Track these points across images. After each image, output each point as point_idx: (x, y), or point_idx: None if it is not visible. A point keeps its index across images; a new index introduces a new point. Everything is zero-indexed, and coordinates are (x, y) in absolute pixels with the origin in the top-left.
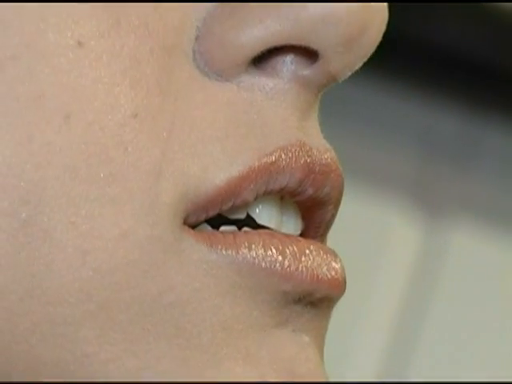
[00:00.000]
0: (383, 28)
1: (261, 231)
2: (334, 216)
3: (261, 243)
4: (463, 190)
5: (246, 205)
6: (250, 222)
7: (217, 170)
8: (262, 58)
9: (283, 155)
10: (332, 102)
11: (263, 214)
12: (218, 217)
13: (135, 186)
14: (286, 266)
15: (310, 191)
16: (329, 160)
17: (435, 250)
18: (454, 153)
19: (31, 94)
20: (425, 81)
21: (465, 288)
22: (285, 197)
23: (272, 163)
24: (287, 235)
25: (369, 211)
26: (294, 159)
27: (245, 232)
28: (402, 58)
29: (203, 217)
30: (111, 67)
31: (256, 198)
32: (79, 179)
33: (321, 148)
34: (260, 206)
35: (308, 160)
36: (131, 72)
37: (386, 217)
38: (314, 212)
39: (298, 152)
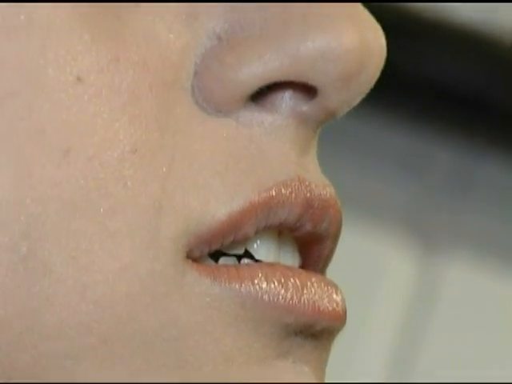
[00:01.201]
0: (381, 65)
1: (262, 264)
2: (332, 251)
3: (263, 276)
4: (458, 222)
5: (245, 239)
6: (248, 256)
7: (218, 204)
8: (261, 94)
9: (283, 190)
10: (326, 133)
11: (261, 249)
12: (217, 250)
13: (135, 221)
14: (288, 299)
15: (309, 226)
16: (328, 195)
17: (430, 282)
18: (448, 185)
19: (31, 129)
20: (420, 113)
21: (460, 320)
22: (283, 232)
23: (272, 198)
24: (289, 267)
25: (364, 243)
26: (293, 194)
27: (247, 265)
28: (396, 91)
29: (206, 251)
30: (110, 103)
31: (256, 233)
32: (79, 214)
33: (320, 183)
34: (258, 242)
35: (307, 195)
36: (130, 108)
37: (381, 249)
38: (312, 247)
39: (298, 187)
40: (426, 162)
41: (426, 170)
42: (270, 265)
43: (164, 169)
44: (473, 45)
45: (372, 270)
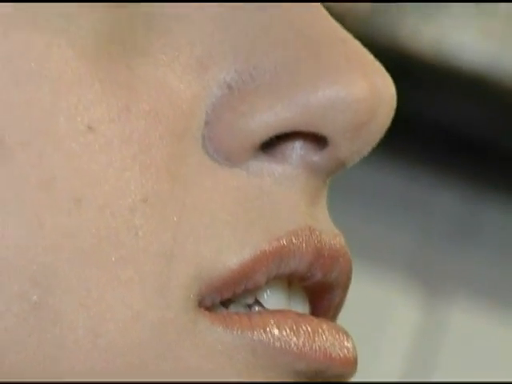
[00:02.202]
0: (392, 114)
1: (274, 311)
2: (342, 300)
3: (275, 324)
4: (461, 267)
5: (256, 289)
6: (258, 305)
7: (229, 253)
8: (271, 144)
9: (293, 239)
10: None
11: (271, 298)
12: (227, 299)
13: (146, 270)
14: (300, 346)
15: (319, 276)
16: (338, 245)
17: (434, 327)
18: (453, 230)
19: (42, 178)
20: (425, 158)
21: (463, 365)
22: (293, 282)
23: (283, 247)
24: (300, 314)
25: (368, 288)
26: (303, 244)
27: (259, 312)
28: (400, 135)
29: (218, 300)
30: (121, 152)
31: (266, 282)
32: (90, 263)
33: (330, 233)
34: (268, 291)
35: (318, 245)
36: (141, 157)
37: (385, 294)
38: (322, 296)
39: (308, 236)
40: (430, 208)
41: (430, 215)
42: (282, 312)
43: (175, 218)
44: (477, 89)
45: (375, 315)
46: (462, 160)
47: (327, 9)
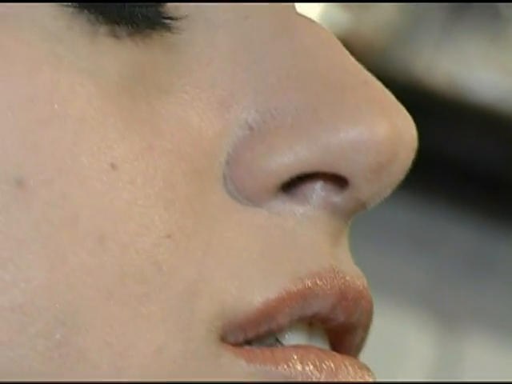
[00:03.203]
0: (412, 156)
1: (297, 346)
2: (363, 340)
3: (298, 359)
4: (476, 301)
5: (279, 331)
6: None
7: (254, 291)
8: (292, 184)
9: (318, 281)
10: None
11: (292, 339)
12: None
13: (170, 305)
14: (323, 381)
15: (342, 318)
16: (361, 287)
17: (449, 361)
18: (467, 265)
19: (64, 217)
20: (438, 192)
21: None
22: (314, 323)
23: (307, 288)
24: (323, 350)
25: (382, 323)
26: (328, 285)
27: (281, 348)
28: (413, 168)
29: (241, 337)
30: (145, 189)
31: (289, 324)
32: (114, 300)
33: (353, 274)
34: (289, 333)
35: (342, 287)
36: (165, 194)
37: (399, 328)
38: (343, 337)
39: (332, 278)
40: (444, 242)
41: (444, 249)
42: (304, 347)
43: (200, 253)
44: (491, 124)
45: (390, 350)
46: (475, 194)
47: (344, 42)
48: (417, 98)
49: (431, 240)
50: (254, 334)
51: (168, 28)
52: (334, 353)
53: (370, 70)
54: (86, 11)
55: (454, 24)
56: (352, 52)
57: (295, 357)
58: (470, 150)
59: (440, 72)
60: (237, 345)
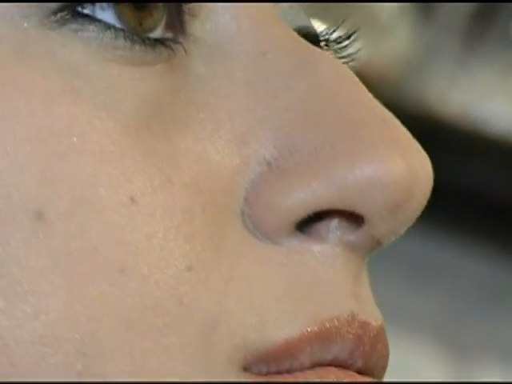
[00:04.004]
0: (428, 193)
1: (316, 368)
2: (380, 379)
3: (317, 377)
4: (490, 333)
5: (301, 370)
6: None
7: (275, 326)
8: (308, 221)
9: (337, 323)
10: None
11: None
12: None
13: (190, 337)
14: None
15: (360, 363)
16: (379, 330)
17: None
18: (480, 296)
19: (84, 249)
20: (452, 224)
21: None
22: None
23: (327, 330)
24: (342, 370)
25: (396, 354)
26: (346, 330)
27: (301, 370)
28: (429, 202)
29: (265, 370)
30: (165, 222)
31: (312, 367)
32: (134, 331)
33: (372, 316)
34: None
35: (359, 331)
36: (184, 227)
37: (413, 359)
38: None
39: (351, 323)
40: (458, 273)
41: (458, 280)
42: (324, 368)
43: (220, 286)
44: (505, 156)
45: (405, 381)
46: (489, 226)
47: (358, 74)
48: (430, 129)
49: (445, 272)
50: (275, 369)
51: (186, 62)
52: (353, 373)
53: (383, 100)
54: (103, 42)
55: (467, 55)
56: (366, 83)
57: (315, 375)
58: (483, 182)
59: (454, 103)
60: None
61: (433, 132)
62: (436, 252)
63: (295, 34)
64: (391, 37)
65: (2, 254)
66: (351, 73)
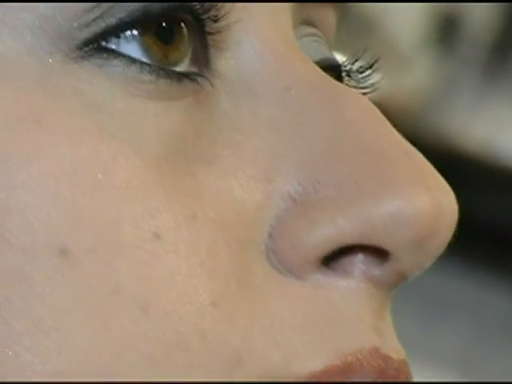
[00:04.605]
0: (454, 227)
1: None
2: None
3: None
4: (510, 368)
5: None
6: None
7: (298, 361)
8: (333, 256)
9: (360, 357)
10: None
11: None
12: None
13: (214, 372)
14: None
15: None
16: (401, 363)
17: None
18: (504, 329)
19: (108, 285)
20: (475, 257)
21: None
22: None
23: (349, 364)
24: None
25: None
26: (368, 364)
27: None
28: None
29: None
30: (189, 259)
31: None
32: (157, 367)
33: (394, 349)
34: None
35: (382, 365)
36: (209, 263)
37: None
38: None
39: (373, 357)
40: (481, 306)
41: (481, 314)
42: None
43: (244, 321)
44: None
45: None
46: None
47: (379, 106)
48: (451, 162)
49: (469, 306)
50: None
51: (212, 97)
52: None
53: (403, 133)
54: (128, 77)
55: (487, 87)
56: (386, 115)
57: None
58: (505, 215)
59: (474, 135)
60: None
61: (453, 164)
62: (460, 286)
63: (318, 69)
64: (411, 69)
65: (27, 290)
66: (374, 108)
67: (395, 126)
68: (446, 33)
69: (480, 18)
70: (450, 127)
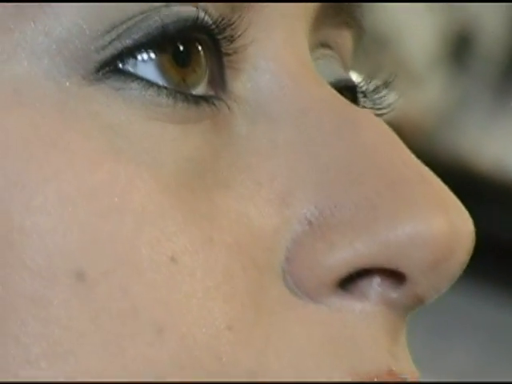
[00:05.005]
0: (471, 250)
1: None
2: None
3: None
4: None
5: None
6: None
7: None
8: (349, 279)
9: (375, 378)
10: None
11: None
12: None
13: None
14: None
15: None
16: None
17: None
18: None
19: (124, 309)
20: (489, 277)
21: None
22: None
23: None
24: None
25: None
26: (383, 382)
27: None
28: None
29: None
30: (205, 282)
31: None
32: None
33: (409, 372)
34: None
35: None
36: (225, 287)
37: None
38: None
39: (388, 376)
40: (494, 326)
41: (494, 333)
42: None
43: (260, 345)
44: None
45: None
46: None
47: (391, 124)
48: (463, 180)
49: (481, 325)
50: None
51: (229, 120)
52: None
53: (416, 151)
54: (145, 100)
55: (499, 106)
56: (399, 134)
57: None
58: None
59: (487, 154)
60: None
61: (466, 182)
62: (473, 305)
63: (335, 92)
64: (424, 87)
65: (44, 314)
66: (390, 130)
67: (408, 144)
68: (459, 51)
69: (493, 36)
70: (462, 145)
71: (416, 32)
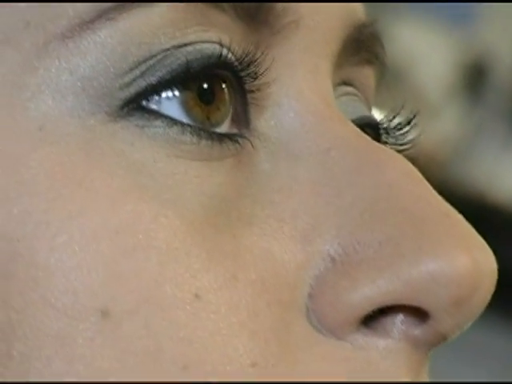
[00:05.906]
0: (493, 288)
1: None
2: None
3: None
4: None
5: None
6: None
7: None
8: (372, 316)
9: None
10: None
11: None
12: None
13: None
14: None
15: None
16: None
17: None
18: None
19: (148, 347)
20: (509, 310)
21: None
22: None
23: None
24: None
25: None
26: None
27: None
28: None
29: None
30: (229, 319)
31: None
32: None
33: None
34: None
35: None
36: (249, 324)
37: None
38: None
39: None
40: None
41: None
42: None
43: (284, 381)
44: None
45: None
46: None
47: (406, 155)
48: (479, 212)
49: (501, 356)
50: None
51: (252, 158)
52: None
53: (431, 183)
54: (169, 138)
55: None
56: (414, 165)
57: None
58: None
59: (503, 185)
60: None
61: (482, 214)
62: (494, 338)
63: (357, 130)
64: (439, 119)
65: (68, 351)
66: (413, 168)
67: (424, 175)
68: (474, 82)
69: (508, 68)
70: (477, 176)
71: (431, 63)
